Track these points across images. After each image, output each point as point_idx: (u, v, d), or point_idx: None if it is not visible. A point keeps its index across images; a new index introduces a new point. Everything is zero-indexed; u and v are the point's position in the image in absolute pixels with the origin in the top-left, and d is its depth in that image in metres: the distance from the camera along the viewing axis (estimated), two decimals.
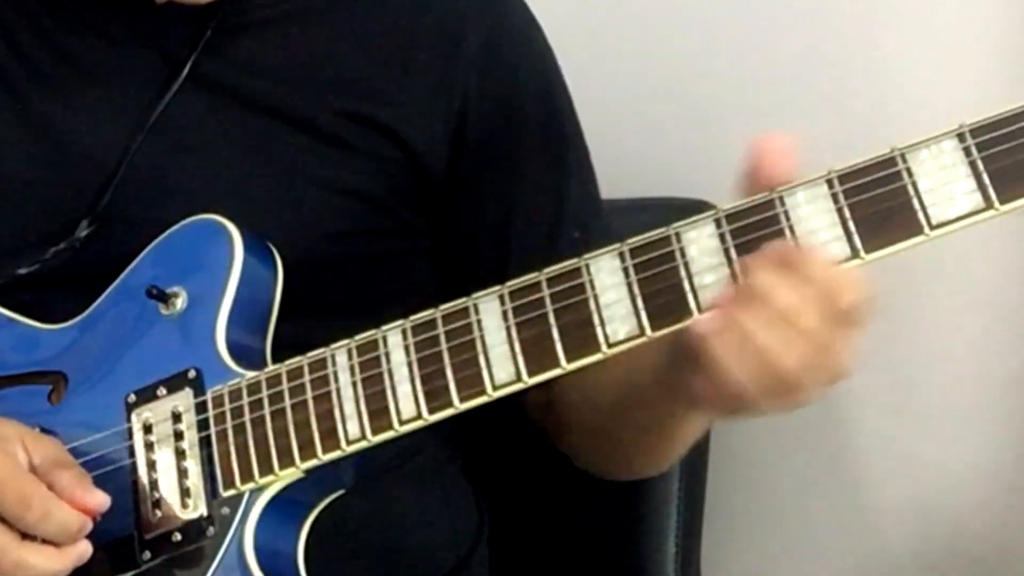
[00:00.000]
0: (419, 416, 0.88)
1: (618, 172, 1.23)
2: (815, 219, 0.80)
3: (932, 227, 0.78)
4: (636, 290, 0.83)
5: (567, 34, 1.30)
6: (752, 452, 1.43)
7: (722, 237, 0.82)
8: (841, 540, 1.42)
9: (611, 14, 1.43)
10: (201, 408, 0.95)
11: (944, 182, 0.78)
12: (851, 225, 0.79)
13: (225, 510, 0.93)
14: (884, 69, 1.29)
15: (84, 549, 0.91)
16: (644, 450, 1.02)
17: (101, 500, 0.92)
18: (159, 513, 0.95)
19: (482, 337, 0.87)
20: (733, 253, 0.81)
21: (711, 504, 1.28)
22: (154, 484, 0.95)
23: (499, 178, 1.07)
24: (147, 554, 0.94)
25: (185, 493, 0.94)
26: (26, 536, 0.89)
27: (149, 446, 0.97)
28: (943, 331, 1.34)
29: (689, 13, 1.39)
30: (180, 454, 0.95)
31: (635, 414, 0.96)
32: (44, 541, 0.90)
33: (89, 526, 0.91)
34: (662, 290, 0.83)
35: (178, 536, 0.94)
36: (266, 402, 0.93)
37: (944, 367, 1.35)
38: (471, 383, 0.87)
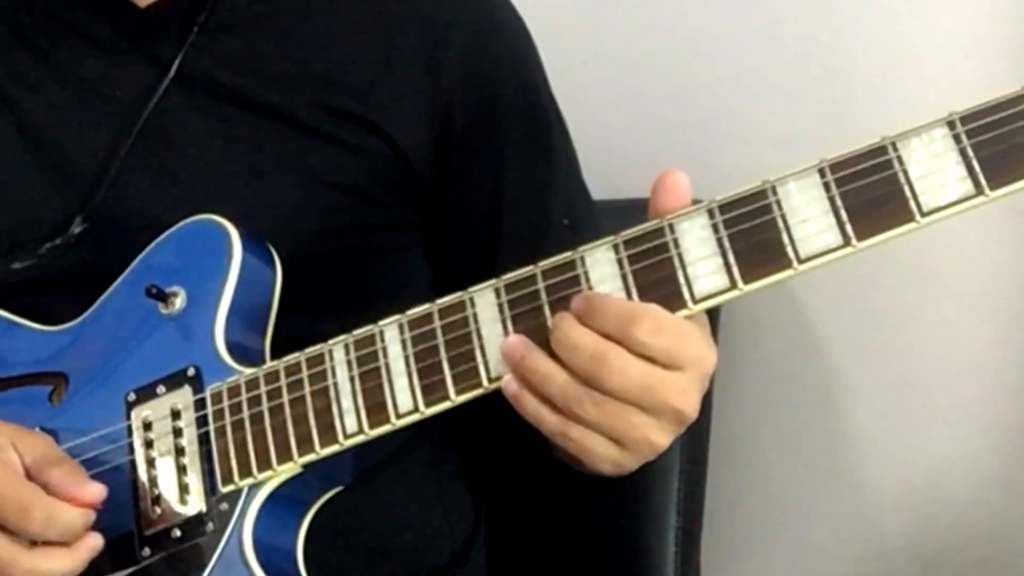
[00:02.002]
0: (416, 410, 0.88)
1: (617, 172, 1.23)
2: (807, 208, 0.80)
3: (923, 214, 0.78)
4: (630, 282, 0.84)
5: (567, 35, 1.31)
6: (752, 452, 1.43)
7: (715, 227, 0.82)
8: (840, 540, 1.42)
9: (610, 15, 1.44)
10: (200, 405, 0.96)
11: (935, 169, 0.78)
12: (843, 214, 0.79)
13: (224, 506, 0.93)
14: (879, 68, 1.29)
15: (95, 541, 0.91)
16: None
17: (97, 491, 0.92)
18: (158, 510, 0.95)
19: (478, 330, 0.87)
20: (727, 243, 0.82)
21: (711, 504, 1.28)
22: (153, 481, 0.96)
23: (486, 172, 1.08)
24: (147, 551, 0.95)
25: (184, 490, 0.95)
26: (33, 542, 0.90)
27: (149, 444, 0.97)
28: (942, 331, 1.34)
29: (687, 14, 1.40)
30: (179, 451, 0.96)
31: None
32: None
33: (92, 518, 0.91)
34: (656, 282, 0.83)
35: (177, 532, 0.94)
36: (264, 398, 0.93)
37: (943, 367, 1.35)
38: (467, 376, 0.87)
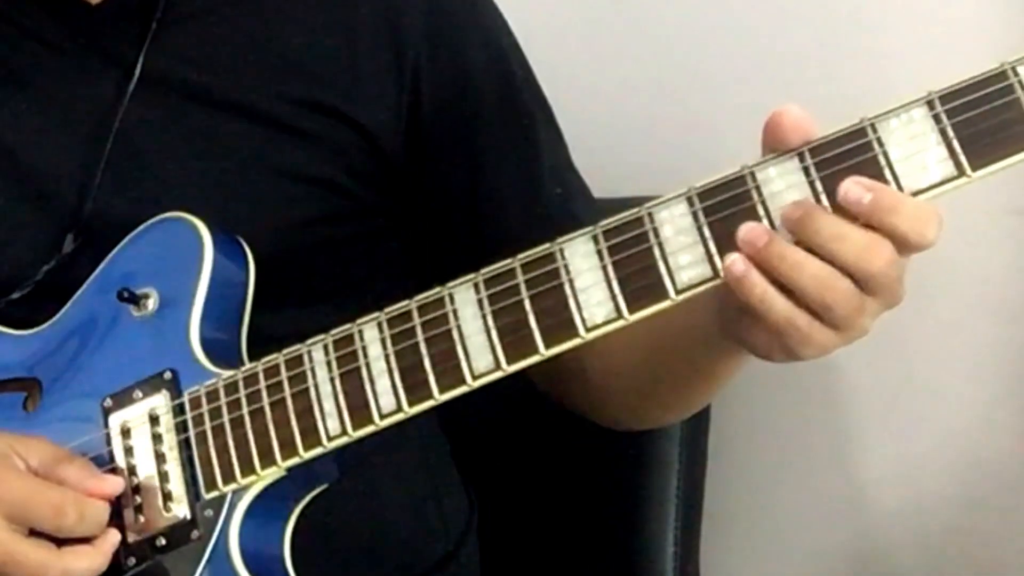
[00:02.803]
0: (399, 410, 0.87)
1: (613, 172, 1.21)
2: (788, 193, 0.79)
3: None
4: (611, 273, 0.82)
5: (563, 34, 1.29)
6: (752, 452, 1.42)
7: (695, 215, 0.81)
8: (840, 540, 1.41)
9: (606, 14, 1.42)
10: (179, 410, 0.94)
11: (915, 151, 0.77)
12: (824, 199, 0.78)
13: (208, 512, 0.92)
14: (877, 68, 1.28)
15: (115, 536, 0.92)
16: (685, 398, 1.02)
17: (117, 483, 0.93)
18: (142, 518, 0.94)
19: (459, 327, 0.86)
20: (707, 231, 0.81)
21: (710, 504, 1.27)
22: (136, 489, 0.95)
23: (459, 147, 1.06)
24: (132, 560, 0.94)
25: (167, 497, 0.94)
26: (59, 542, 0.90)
27: (128, 450, 0.96)
28: (942, 330, 1.33)
29: (683, 13, 1.38)
30: (160, 457, 0.94)
31: (679, 367, 0.95)
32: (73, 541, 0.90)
33: (109, 511, 0.92)
34: (637, 272, 0.82)
35: (162, 541, 0.93)
36: (244, 402, 0.92)
37: (943, 366, 1.34)
38: (450, 374, 0.86)
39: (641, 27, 1.40)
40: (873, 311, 0.79)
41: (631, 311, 0.82)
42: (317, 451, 0.90)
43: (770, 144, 0.80)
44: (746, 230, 0.78)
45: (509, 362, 0.85)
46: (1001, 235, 1.27)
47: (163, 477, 0.94)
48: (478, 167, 1.06)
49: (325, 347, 0.90)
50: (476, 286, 0.86)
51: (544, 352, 0.84)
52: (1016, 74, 0.76)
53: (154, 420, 0.95)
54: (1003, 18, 1.22)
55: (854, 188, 0.77)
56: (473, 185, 1.06)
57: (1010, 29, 1.21)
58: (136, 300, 0.98)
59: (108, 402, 0.97)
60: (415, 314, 0.88)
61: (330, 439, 0.89)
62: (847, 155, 0.78)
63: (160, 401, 0.95)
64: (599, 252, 0.83)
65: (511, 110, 1.07)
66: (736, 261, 0.78)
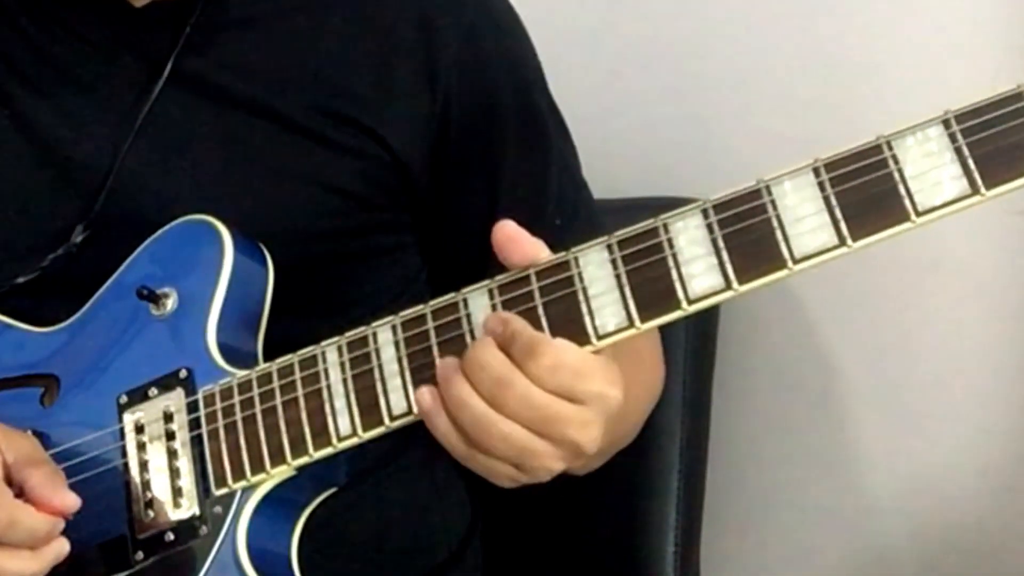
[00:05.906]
0: (410, 412, 0.88)
1: (615, 172, 1.22)
2: (802, 207, 0.80)
3: (919, 213, 0.78)
4: (624, 281, 0.83)
5: (565, 35, 1.30)
6: (752, 452, 1.42)
7: (710, 227, 0.82)
8: (840, 539, 1.41)
9: (607, 15, 1.43)
10: (192, 407, 0.95)
11: (930, 168, 0.78)
12: (838, 213, 0.79)
13: (217, 509, 0.93)
14: (876, 66, 1.28)
15: (60, 548, 0.91)
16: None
17: (71, 502, 0.92)
18: (152, 513, 0.95)
19: (472, 332, 0.86)
20: (721, 243, 0.81)
21: (711, 504, 1.27)
22: (146, 484, 0.95)
23: (480, 174, 1.07)
24: (140, 554, 0.94)
25: (177, 493, 0.94)
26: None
27: (141, 446, 0.96)
28: (942, 331, 1.34)
29: (685, 14, 1.39)
30: (172, 454, 0.95)
31: None
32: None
33: (60, 527, 0.91)
34: (650, 281, 0.83)
35: (171, 536, 0.94)
36: (257, 400, 0.93)
37: (942, 367, 1.35)
38: None
39: (643, 27, 1.41)
40: (553, 454, 0.84)
41: (643, 319, 0.83)
42: (327, 451, 0.90)
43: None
44: (440, 366, 0.84)
45: None
46: (1001, 235, 1.26)
47: (174, 473, 0.95)
48: (495, 195, 1.07)
49: (339, 348, 0.91)
50: (490, 292, 0.87)
51: None
52: None
53: (168, 417, 0.96)
54: (1006, 20, 1.21)
55: (492, 317, 0.83)
56: (488, 213, 1.07)
57: (1012, 30, 1.21)
58: (155, 299, 1.00)
59: (123, 398, 0.98)
60: (429, 318, 0.88)
61: (340, 439, 0.90)
62: (862, 171, 0.79)
63: (175, 399, 0.96)
64: (613, 261, 0.84)
65: (529, 143, 1.08)
66: (425, 394, 0.85)
